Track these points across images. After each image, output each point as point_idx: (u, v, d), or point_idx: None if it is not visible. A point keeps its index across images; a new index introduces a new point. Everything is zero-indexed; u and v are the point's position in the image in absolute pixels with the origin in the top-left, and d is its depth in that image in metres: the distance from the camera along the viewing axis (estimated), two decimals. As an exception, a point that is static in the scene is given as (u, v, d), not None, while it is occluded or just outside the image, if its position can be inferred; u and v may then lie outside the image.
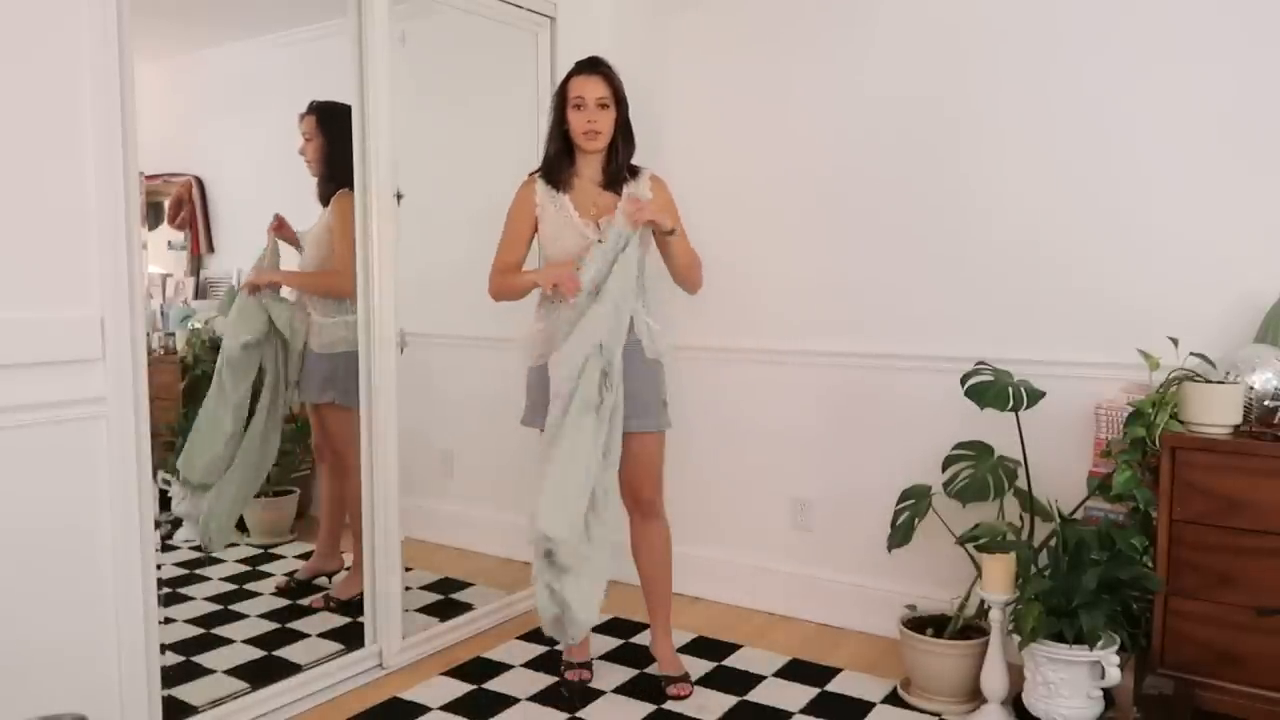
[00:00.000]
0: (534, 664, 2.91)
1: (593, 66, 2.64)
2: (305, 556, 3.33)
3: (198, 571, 3.23)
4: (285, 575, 3.26)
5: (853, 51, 3.09)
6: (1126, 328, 2.65)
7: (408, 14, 2.94)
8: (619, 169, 2.67)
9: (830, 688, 2.75)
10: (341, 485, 3.17)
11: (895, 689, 2.73)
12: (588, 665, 2.82)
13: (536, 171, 2.71)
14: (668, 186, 2.74)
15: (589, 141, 2.61)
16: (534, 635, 3.13)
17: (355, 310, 2.85)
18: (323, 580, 3.24)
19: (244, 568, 3.30)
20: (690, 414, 3.33)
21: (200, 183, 3.33)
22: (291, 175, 3.16)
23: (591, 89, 2.59)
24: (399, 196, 2.87)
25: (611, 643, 3.06)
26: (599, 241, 2.54)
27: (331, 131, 3.00)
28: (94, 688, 2.07)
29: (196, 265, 3.36)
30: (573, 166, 2.66)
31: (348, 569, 3.20)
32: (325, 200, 3.08)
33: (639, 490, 2.70)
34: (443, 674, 2.83)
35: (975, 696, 2.59)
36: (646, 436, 2.67)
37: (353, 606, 2.99)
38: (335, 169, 2.97)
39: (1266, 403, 2.31)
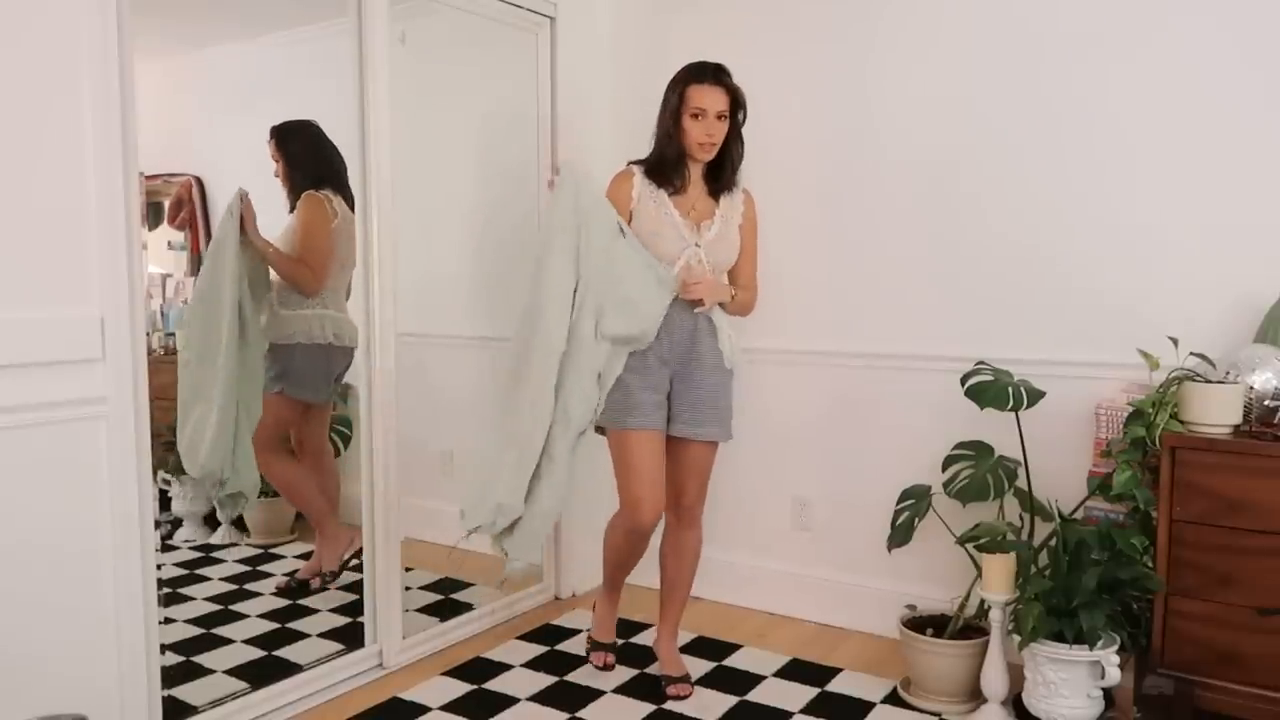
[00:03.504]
0: (534, 664, 2.91)
1: (716, 77, 2.55)
2: (305, 556, 3.33)
3: (198, 571, 3.23)
4: (285, 575, 3.26)
5: (855, 53, 3.09)
6: (1126, 328, 2.65)
7: (408, 14, 2.94)
8: (729, 177, 2.63)
9: (830, 688, 2.75)
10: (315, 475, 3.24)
11: (895, 689, 2.73)
12: (614, 648, 2.88)
13: (636, 162, 2.64)
14: (755, 203, 2.72)
15: (704, 153, 2.56)
16: (534, 635, 3.13)
17: (314, 305, 2.96)
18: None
19: (244, 568, 3.30)
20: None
21: (200, 183, 3.32)
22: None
23: (713, 101, 2.52)
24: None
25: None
26: (697, 245, 2.56)
27: (289, 149, 3.10)
28: (94, 688, 2.06)
29: (196, 265, 3.36)
30: (685, 170, 2.60)
31: (349, 568, 3.20)
32: (294, 207, 3.12)
33: (687, 497, 2.70)
34: (443, 674, 2.83)
35: (975, 696, 2.59)
36: (709, 446, 2.67)
37: (307, 590, 3.16)
38: (299, 179, 3.08)
39: (1267, 403, 2.31)
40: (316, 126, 3.10)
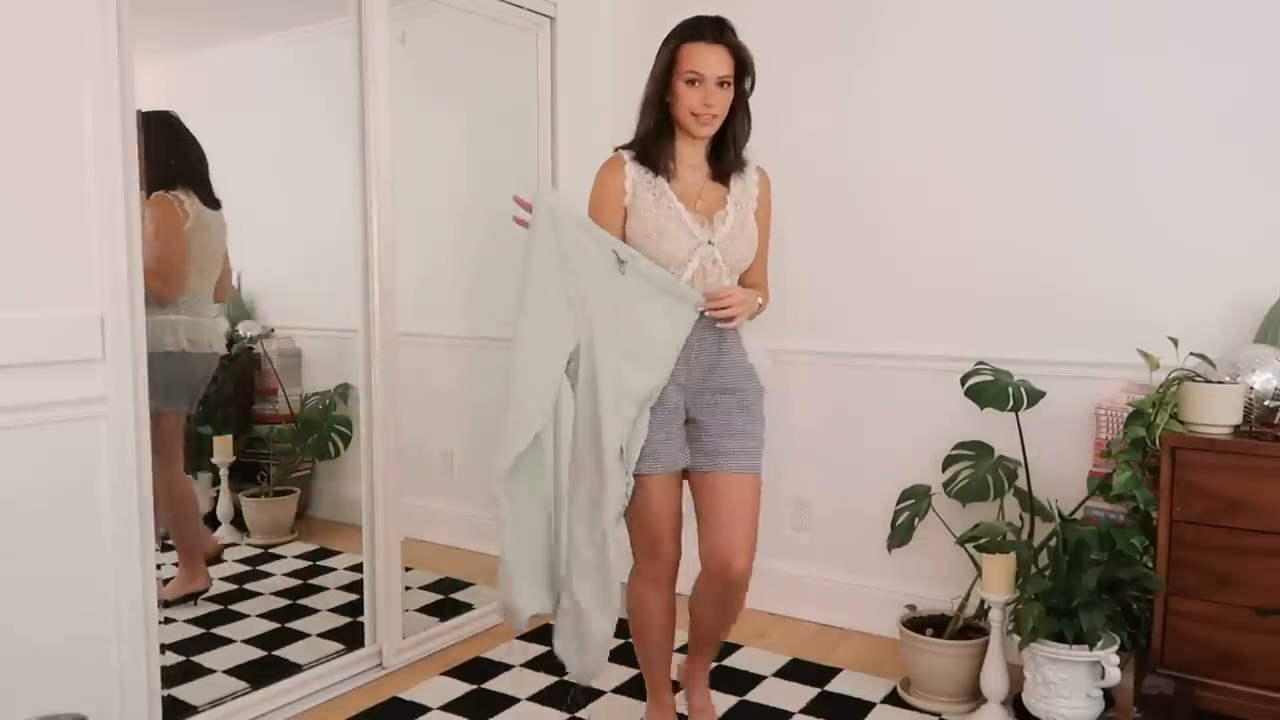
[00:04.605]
0: (534, 664, 2.91)
1: (716, 34, 2.06)
2: (305, 556, 3.34)
3: (198, 571, 3.23)
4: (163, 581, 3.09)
5: (854, 53, 3.09)
6: (1126, 328, 2.65)
7: (408, 14, 2.94)
8: (736, 158, 2.17)
9: (830, 688, 2.75)
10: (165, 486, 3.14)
11: (895, 689, 2.73)
12: None
13: (624, 148, 2.16)
14: (771, 183, 2.27)
15: (700, 126, 2.08)
16: (534, 635, 3.13)
17: (166, 311, 2.88)
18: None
19: (244, 568, 3.30)
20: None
21: (200, 182, 3.32)
22: (290, 175, 3.16)
23: (714, 64, 2.03)
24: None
25: (610, 643, 3.05)
26: (710, 243, 2.11)
27: (145, 141, 3.01)
28: (94, 687, 2.06)
29: (196, 265, 3.35)
30: (671, 148, 2.12)
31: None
32: None
33: (734, 556, 2.10)
34: (443, 674, 2.83)
35: (975, 696, 2.59)
36: (749, 479, 2.13)
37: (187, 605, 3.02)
38: (150, 176, 2.95)
39: (1267, 403, 2.31)
40: (175, 118, 2.90)
